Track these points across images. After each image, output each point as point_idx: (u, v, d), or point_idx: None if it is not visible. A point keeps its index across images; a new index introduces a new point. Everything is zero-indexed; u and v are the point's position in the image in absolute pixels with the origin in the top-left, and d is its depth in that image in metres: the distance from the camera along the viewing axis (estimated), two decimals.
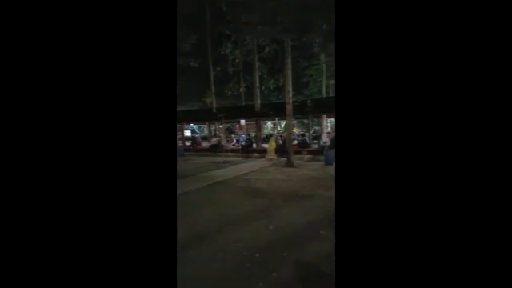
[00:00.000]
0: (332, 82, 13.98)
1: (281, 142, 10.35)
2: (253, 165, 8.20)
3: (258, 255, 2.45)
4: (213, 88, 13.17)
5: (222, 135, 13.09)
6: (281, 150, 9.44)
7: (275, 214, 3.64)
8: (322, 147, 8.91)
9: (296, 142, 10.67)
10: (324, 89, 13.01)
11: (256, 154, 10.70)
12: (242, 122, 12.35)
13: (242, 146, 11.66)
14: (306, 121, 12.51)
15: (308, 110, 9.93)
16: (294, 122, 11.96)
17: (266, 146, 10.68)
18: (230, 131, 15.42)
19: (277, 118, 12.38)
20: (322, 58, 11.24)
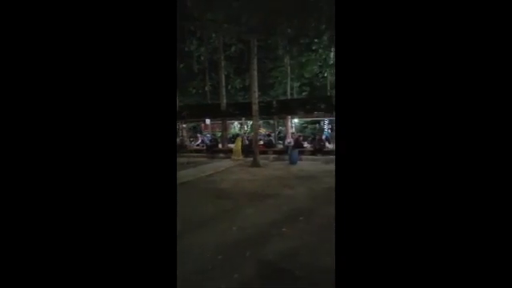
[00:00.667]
0: (296, 84, 14.60)
1: (247, 142, 10.43)
2: (218, 165, 8.09)
3: (220, 257, 2.44)
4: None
5: (185, 135, 12.62)
6: (247, 150, 9.51)
7: (240, 214, 3.66)
8: (287, 147, 9.25)
9: (262, 142, 10.87)
10: (289, 90, 13.50)
11: (222, 155, 10.59)
12: (208, 121, 12.09)
13: (206, 146, 11.42)
14: (271, 121, 12.81)
15: (273, 111, 10.21)
16: (261, 122, 12.17)
17: (232, 146, 10.64)
18: (196, 131, 14.95)
19: (243, 118, 12.44)
20: (286, 60, 11.66)
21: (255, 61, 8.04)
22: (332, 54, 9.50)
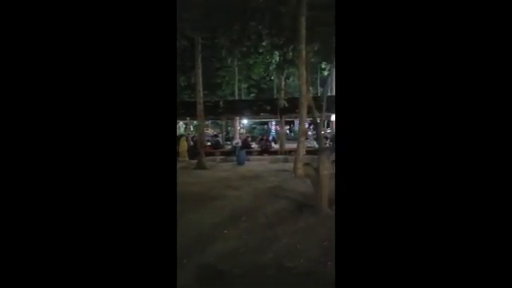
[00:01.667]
0: (244, 85, 14.88)
1: (192, 142, 10.09)
2: None
3: None
4: None
5: None
6: (192, 152, 9.21)
7: (182, 218, 3.53)
8: (235, 148, 9.34)
9: (209, 143, 10.69)
10: (236, 91, 13.65)
11: None
12: None
13: None
14: (220, 122, 12.72)
15: (220, 111, 10.17)
16: (208, 122, 11.94)
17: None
18: None
19: (188, 118, 11.98)
20: (234, 61, 11.79)
21: (199, 59, 7.86)
22: (277, 58, 10.03)
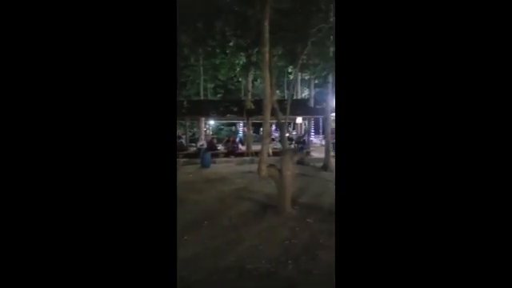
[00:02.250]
0: (210, 85, 14.64)
1: None
2: None
3: None
4: None
5: None
6: None
7: None
8: (199, 150, 9.10)
9: None
10: (202, 91, 13.36)
11: None
12: None
13: None
14: (183, 122, 12.29)
15: (184, 111, 9.83)
16: None
17: None
18: None
19: None
20: (193, 60, 11.52)
21: None
22: (243, 59, 10.09)
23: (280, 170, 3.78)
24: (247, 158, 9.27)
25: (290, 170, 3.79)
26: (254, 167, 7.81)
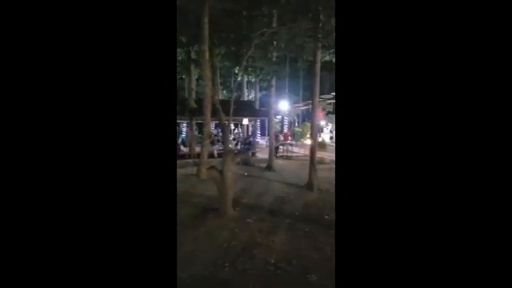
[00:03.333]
0: None
1: None
2: None
3: None
4: None
5: None
6: None
7: None
8: None
9: None
10: None
11: None
12: None
13: None
14: None
15: None
16: None
17: None
18: None
19: None
20: None
21: None
22: (183, 55, 9.66)
23: (221, 172, 3.76)
24: (190, 160, 8.92)
25: (231, 171, 3.82)
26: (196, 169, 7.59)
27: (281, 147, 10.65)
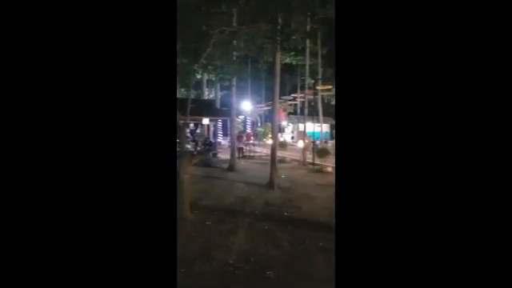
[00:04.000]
0: None
1: None
2: None
3: None
4: None
5: None
6: None
7: None
8: None
9: None
10: None
11: None
12: None
13: None
14: None
15: None
16: None
17: None
18: None
19: None
20: None
21: None
22: None
23: (178, 174, 3.63)
24: None
25: (187, 173, 3.71)
26: None
27: (246, 147, 10.72)
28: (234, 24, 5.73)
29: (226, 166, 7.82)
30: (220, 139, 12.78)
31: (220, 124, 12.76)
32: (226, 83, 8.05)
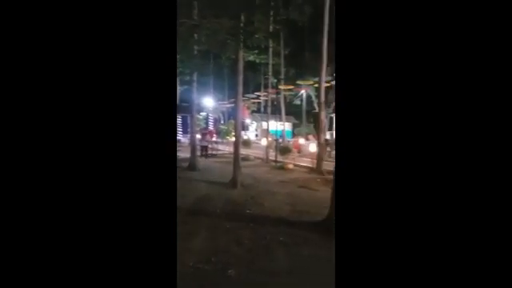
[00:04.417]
0: None
1: None
2: None
3: None
4: None
5: None
6: None
7: None
8: None
9: None
10: None
11: None
12: None
13: None
14: None
15: None
16: None
17: None
18: None
19: None
20: None
21: None
22: None
23: None
24: None
25: None
26: None
27: (209, 145, 10.50)
28: (195, 17, 5.55)
29: (186, 164, 7.57)
30: (180, 136, 12.32)
31: (180, 120, 12.28)
32: (187, 78, 7.75)
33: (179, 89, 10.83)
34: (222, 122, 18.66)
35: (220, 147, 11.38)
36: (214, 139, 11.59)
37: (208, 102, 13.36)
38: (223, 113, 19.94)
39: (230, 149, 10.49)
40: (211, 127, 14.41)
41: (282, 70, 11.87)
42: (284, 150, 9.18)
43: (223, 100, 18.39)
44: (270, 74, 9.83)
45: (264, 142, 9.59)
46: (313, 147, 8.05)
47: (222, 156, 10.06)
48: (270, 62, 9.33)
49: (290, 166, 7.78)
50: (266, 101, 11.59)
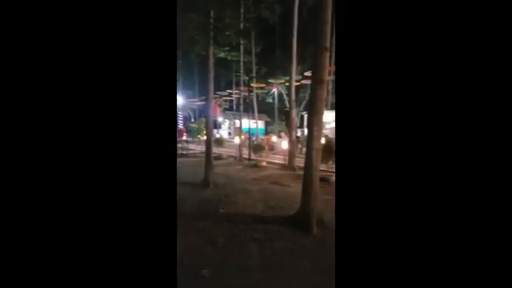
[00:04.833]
0: None
1: None
2: None
3: None
4: None
5: None
6: None
7: None
8: None
9: None
10: None
11: None
12: None
13: None
14: None
15: None
16: None
17: None
18: None
19: None
20: None
21: None
22: None
23: None
24: None
25: None
26: None
27: (179, 145, 10.20)
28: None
29: None
30: None
31: None
32: None
33: None
34: (193, 120, 18.23)
35: (191, 146, 11.11)
36: (184, 138, 11.28)
37: (177, 99, 12.95)
38: (194, 111, 19.48)
39: (201, 148, 10.31)
40: (181, 126, 14.00)
41: (254, 68, 11.95)
42: (257, 148, 9.28)
43: (193, 97, 17.96)
44: (242, 71, 9.84)
45: (237, 140, 9.57)
46: (285, 144, 8.25)
47: (194, 155, 9.84)
48: (242, 59, 9.34)
49: (264, 164, 7.89)
50: (238, 98, 11.58)
